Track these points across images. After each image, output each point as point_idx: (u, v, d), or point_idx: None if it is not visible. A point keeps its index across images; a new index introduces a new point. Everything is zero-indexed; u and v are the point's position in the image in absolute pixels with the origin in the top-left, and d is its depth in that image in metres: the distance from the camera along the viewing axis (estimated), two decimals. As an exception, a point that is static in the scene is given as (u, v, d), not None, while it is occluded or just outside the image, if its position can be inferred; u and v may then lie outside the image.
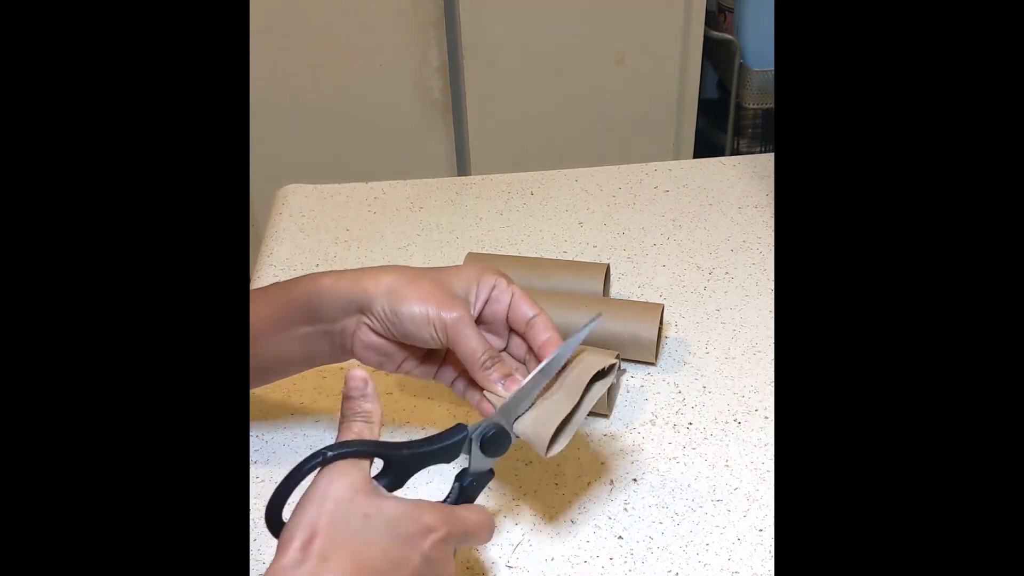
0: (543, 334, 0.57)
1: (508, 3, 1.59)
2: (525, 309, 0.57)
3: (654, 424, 0.69)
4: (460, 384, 0.59)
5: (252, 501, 0.64)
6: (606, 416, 0.70)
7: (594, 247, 0.89)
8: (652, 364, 0.74)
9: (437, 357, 0.60)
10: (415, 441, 0.51)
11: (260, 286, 0.84)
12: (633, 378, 0.74)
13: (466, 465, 0.53)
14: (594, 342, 0.74)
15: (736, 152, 1.91)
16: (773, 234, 0.90)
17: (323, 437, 0.69)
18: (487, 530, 0.51)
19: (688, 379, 0.73)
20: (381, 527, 0.46)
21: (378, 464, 0.50)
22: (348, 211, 0.96)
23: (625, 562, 0.59)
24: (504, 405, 0.53)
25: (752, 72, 1.82)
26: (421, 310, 0.55)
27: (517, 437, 0.54)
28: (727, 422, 0.69)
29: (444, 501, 0.52)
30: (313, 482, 0.47)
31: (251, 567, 0.60)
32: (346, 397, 0.52)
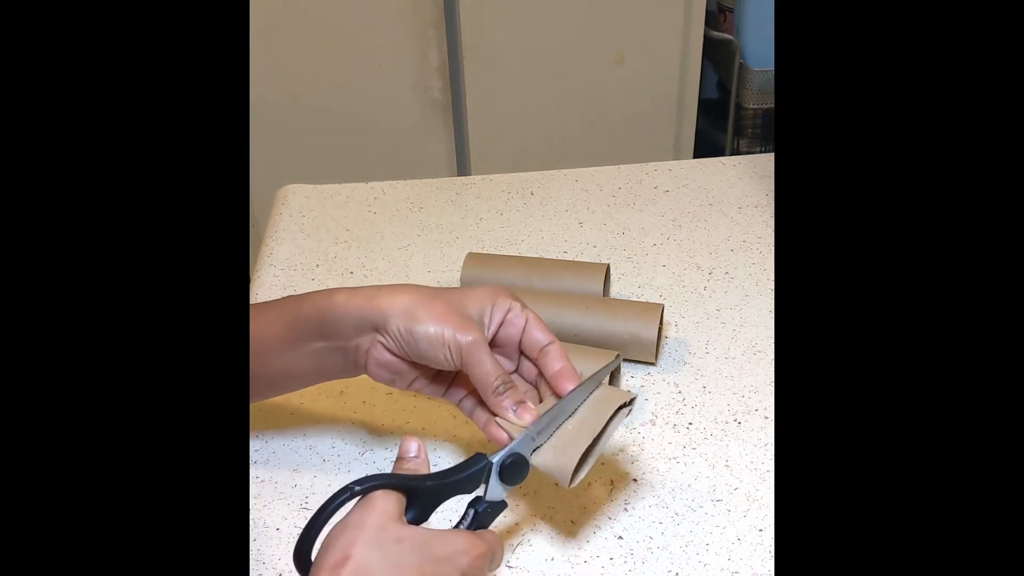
0: (556, 363, 0.57)
1: (508, 3, 1.59)
2: (539, 336, 0.58)
3: (654, 424, 0.69)
4: (468, 403, 0.59)
5: (252, 501, 0.64)
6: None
7: (594, 247, 0.89)
8: (652, 364, 0.74)
9: (447, 376, 0.60)
10: (437, 473, 0.51)
11: (260, 286, 0.85)
12: (633, 378, 0.73)
13: (482, 493, 0.53)
14: (594, 342, 0.74)
15: (736, 152, 1.91)
16: (773, 234, 0.90)
17: (322, 438, 0.69)
18: (501, 556, 0.52)
19: (688, 379, 0.73)
20: (415, 551, 0.46)
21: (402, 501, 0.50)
22: (348, 211, 0.96)
23: (625, 562, 0.59)
24: (525, 435, 0.54)
25: (752, 72, 1.82)
26: (437, 331, 0.55)
27: (535, 466, 0.54)
28: (727, 422, 0.69)
29: (458, 527, 0.52)
30: (348, 512, 0.47)
31: (251, 567, 0.60)
32: (399, 458, 0.53)
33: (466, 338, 0.55)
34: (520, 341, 0.58)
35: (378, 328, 0.56)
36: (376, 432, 0.70)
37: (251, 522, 0.63)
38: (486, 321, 0.57)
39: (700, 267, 0.86)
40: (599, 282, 0.78)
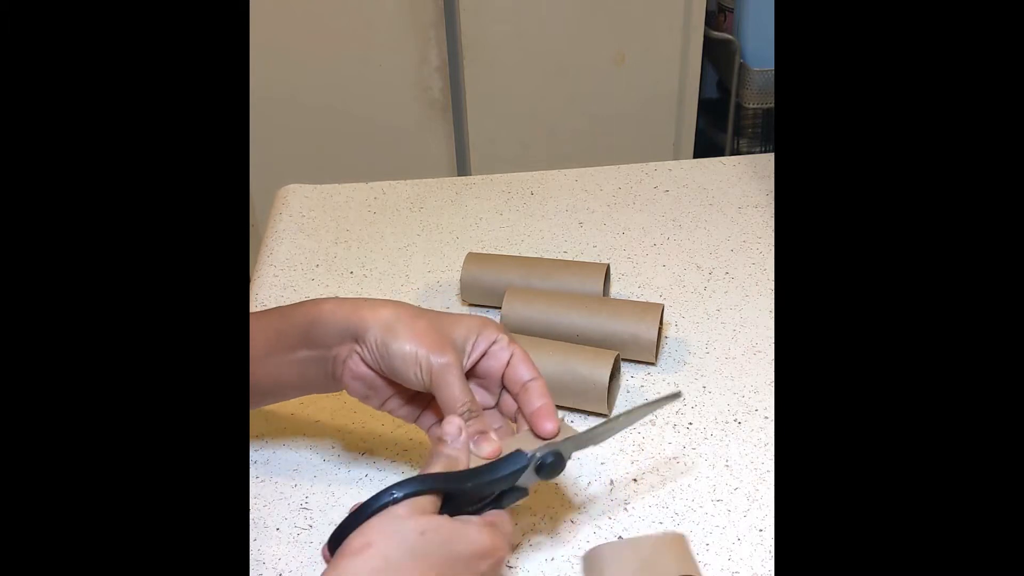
0: (537, 400, 0.56)
1: (508, 3, 1.59)
2: (523, 371, 0.57)
3: (654, 424, 0.69)
4: (436, 431, 0.59)
5: (252, 501, 0.64)
6: (606, 416, 0.70)
7: (594, 247, 0.89)
8: (652, 364, 0.74)
9: (422, 401, 0.59)
10: (476, 470, 0.52)
11: (260, 286, 0.85)
12: (633, 378, 0.73)
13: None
14: (594, 342, 0.74)
15: (736, 152, 1.91)
16: (773, 234, 0.90)
17: (322, 438, 0.69)
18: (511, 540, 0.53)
19: (688, 379, 0.73)
20: (438, 546, 0.46)
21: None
22: (348, 211, 0.96)
23: (625, 562, 0.59)
24: (565, 441, 0.54)
25: (752, 72, 1.82)
26: (411, 349, 0.54)
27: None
28: (727, 422, 0.69)
29: (478, 505, 0.52)
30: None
31: (251, 567, 0.60)
32: (438, 439, 0.52)
33: (439, 360, 0.54)
34: (503, 375, 0.57)
35: (357, 339, 0.56)
36: (376, 432, 0.70)
37: (251, 522, 0.63)
38: (468, 348, 0.57)
39: (700, 267, 0.86)
40: (599, 282, 0.78)
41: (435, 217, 0.95)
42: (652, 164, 1.02)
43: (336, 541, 0.47)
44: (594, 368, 0.68)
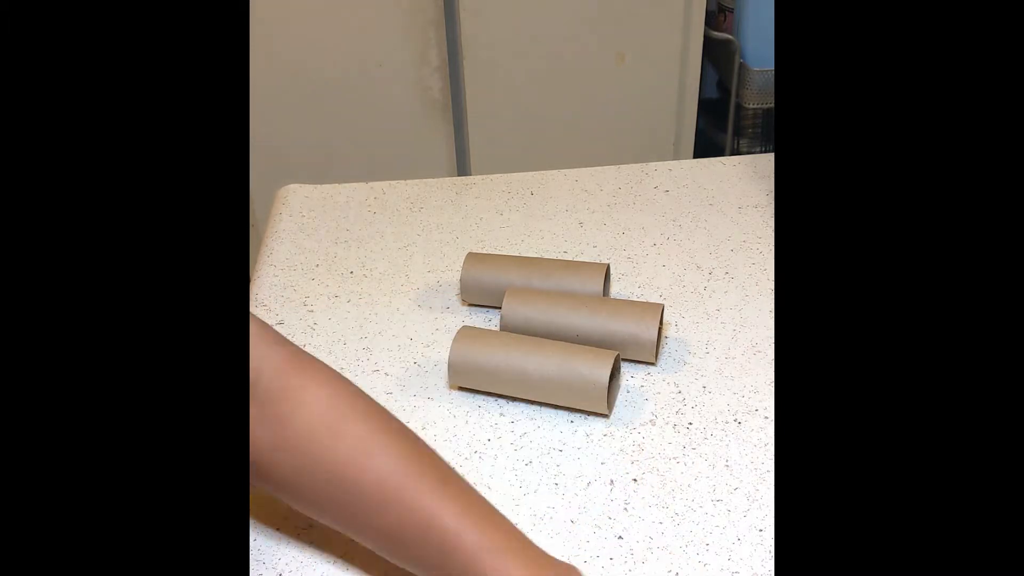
0: None
1: (508, 3, 1.59)
2: None
3: (654, 424, 0.69)
4: None
5: (252, 501, 0.64)
6: (606, 416, 0.70)
7: (594, 247, 0.89)
8: (652, 364, 0.74)
9: None
10: None
11: (260, 286, 0.85)
12: (633, 378, 0.74)
13: None
14: (594, 342, 0.74)
15: (736, 152, 1.91)
16: (773, 234, 0.90)
17: (323, 437, 0.69)
18: None
19: (688, 379, 0.73)
20: None
21: None
22: (348, 211, 0.96)
23: (625, 562, 0.59)
24: None
25: (752, 72, 1.82)
26: None
27: None
28: (727, 422, 0.69)
29: None
30: None
31: (251, 567, 0.60)
32: None
33: None
34: None
35: None
36: (376, 432, 0.70)
37: (251, 522, 0.63)
38: None
39: (700, 267, 0.86)
40: (599, 282, 0.78)
41: (435, 217, 0.95)
42: (652, 164, 1.02)
43: None
44: (594, 368, 0.68)
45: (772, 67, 1.80)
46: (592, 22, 1.63)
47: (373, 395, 0.72)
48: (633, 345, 0.73)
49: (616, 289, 0.83)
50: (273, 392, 0.53)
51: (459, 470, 0.66)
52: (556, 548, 0.60)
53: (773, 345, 0.76)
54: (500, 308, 0.77)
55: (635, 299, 0.82)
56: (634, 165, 1.01)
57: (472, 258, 0.81)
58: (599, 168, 1.01)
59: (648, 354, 0.73)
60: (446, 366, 0.73)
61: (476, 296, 0.81)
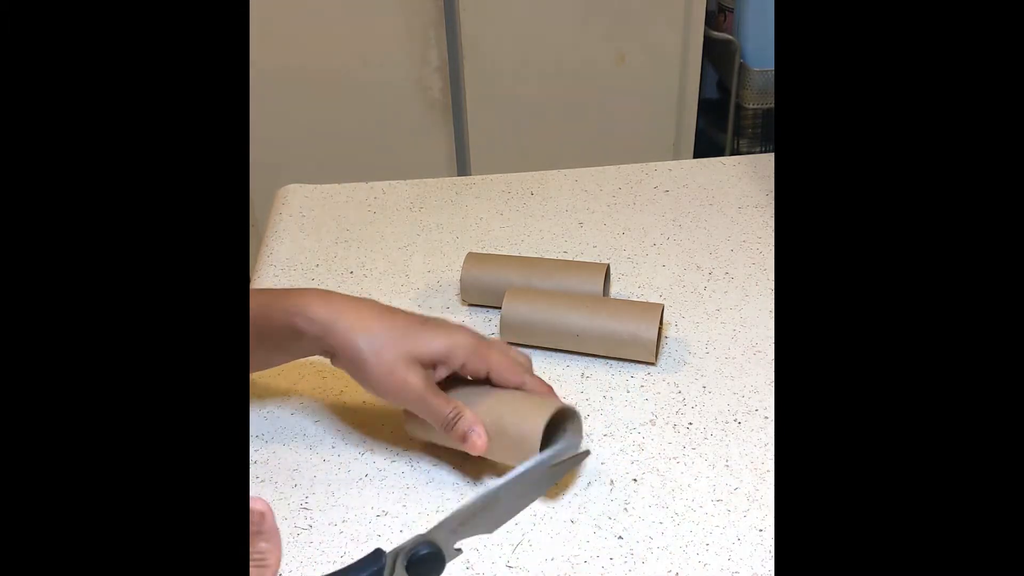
0: (538, 389, 0.63)
1: (508, 3, 1.59)
2: (512, 378, 0.62)
3: (654, 424, 0.69)
4: None
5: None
6: (653, 364, 0.70)
7: (594, 247, 0.89)
8: (652, 364, 0.74)
9: None
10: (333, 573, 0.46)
11: (260, 286, 0.84)
12: (633, 378, 0.74)
13: None
14: (594, 342, 0.74)
15: (736, 152, 1.91)
16: (773, 234, 0.90)
17: (323, 438, 0.69)
18: None
19: (688, 379, 0.73)
20: None
21: None
22: (348, 211, 0.96)
23: (625, 562, 0.59)
24: (439, 524, 0.46)
25: (752, 72, 1.82)
26: (380, 380, 0.59)
27: (459, 551, 0.47)
28: (727, 422, 0.69)
29: None
30: None
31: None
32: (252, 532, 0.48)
33: (408, 394, 0.59)
34: (490, 381, 0.62)
35: (331, 358, 0.61)
36: (376, 432, 0.70)
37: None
38: (440, 370, 0.61)
39: (700, 267, 0.86)
40: (599, 282, 0.78)
41: (435, 217, 0.95)
42: (652, 164, 1.02)
43: None
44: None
45: (772, 67, 1.80)
46: (592, 22, 1.63)
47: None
48: (633, 345, 0.73)
49: (616, 289, 0.83)
50: None
51: (459, 470, 0.66)
52: (556, 548, 0.60)
53: (773, 345, 0.76)
54: (500, 308, 0.77)
55: (635, 299, 0.82)
56: (634, 165, 1.01)
57: (472, 258, 0.81)
58: (599, 168, 1.01)
59: (648, 354, 0.73)
60: (446, 366, 0.74)
61: (476, 296, 0.81)
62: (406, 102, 1.66)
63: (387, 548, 0.51)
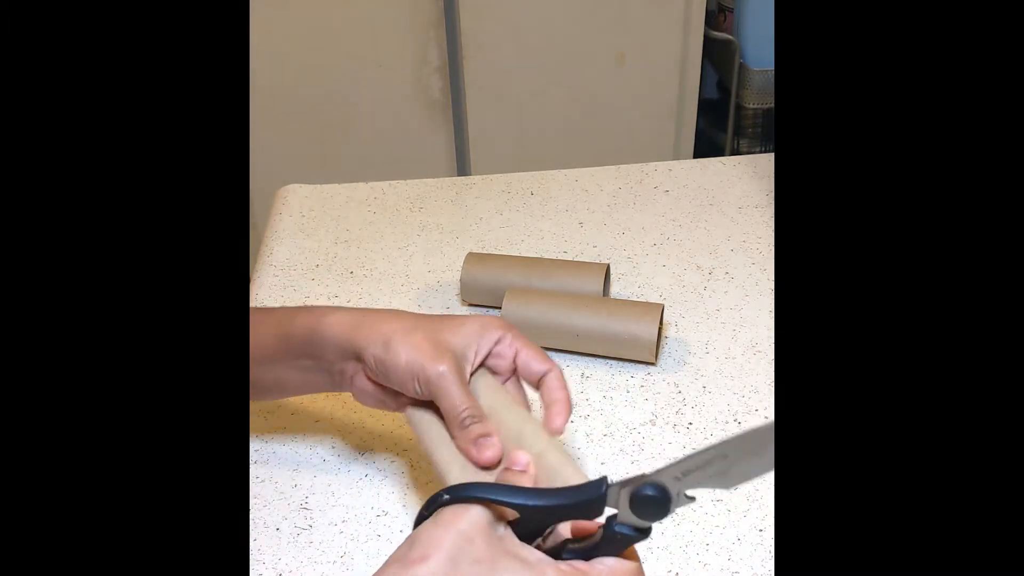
0: (556, 392, 0.56)
1: (508, 3, 1.59)
2: (534, 366, 0.57)
3: (654, 424, 0.69)
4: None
5: (252, 501, 0.64)
6: (652, 363, 0.70)
7: (594, 247, 0.89)
8: (652, 364, 0.74)
9: (434, 404, 0.58)
10: (548, 490, 0.46)
11: (260, 286, 0.85)
12: (633, 378, 0.74)
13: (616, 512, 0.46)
14: (594, 342, 0.74)
15: (736, 152, 1.91)
16: (773, 234, 0.90)
17: (322, 438, 0.69)
18: None
19: (688, 379, 0.73)
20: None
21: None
22: (348, 211, 0.96)
23: (625, 562, 0.59)
24: (662, 468, 0.45)
25: (752, 72, 1.82)
26: (407, 362, 0.54)
27: (691, 498, 0.45)
28: (727, 422, 0.69)
29: (584, 545, 0.46)
30: (442, 511, 0.45)
31: (251, 567, 0.60)
32: (505, 468, 0.50)
33: (435, 370, 0.54)
34: (517, 371, 0.57)
35: (358, 357, 0.57)
36: (376, 432, 0.70)
37: (251, 522, 0.63)
38: (470, 355, 0.56)
39: (700, 267, 0.86)
40: (599, 282, 0.78)
41: (435, 217, 0.95)
42: (652, 164, 1.02)
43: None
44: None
45: (772, 67, 1.80)
46: (592, 22, 1.63)
47: (373, 395, 0.72)
48: (633, 345, 0.73)
49: (616, 289, 0.83)
50: None
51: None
52: (556, 548, 0.60)
53: (773, 345, 0.76)
54: (500, 308, 0.77)
55: (635, 299, 0.82)
56: (634, 165, 1.01)
57: (472, 258, 0.81)
58: (599, 168, 1.01)
59: (648, 354, 0.73)
60: (446, 366, 0.73)
61: (476, 296, 0.81)
62: (406, 102, 1.66)
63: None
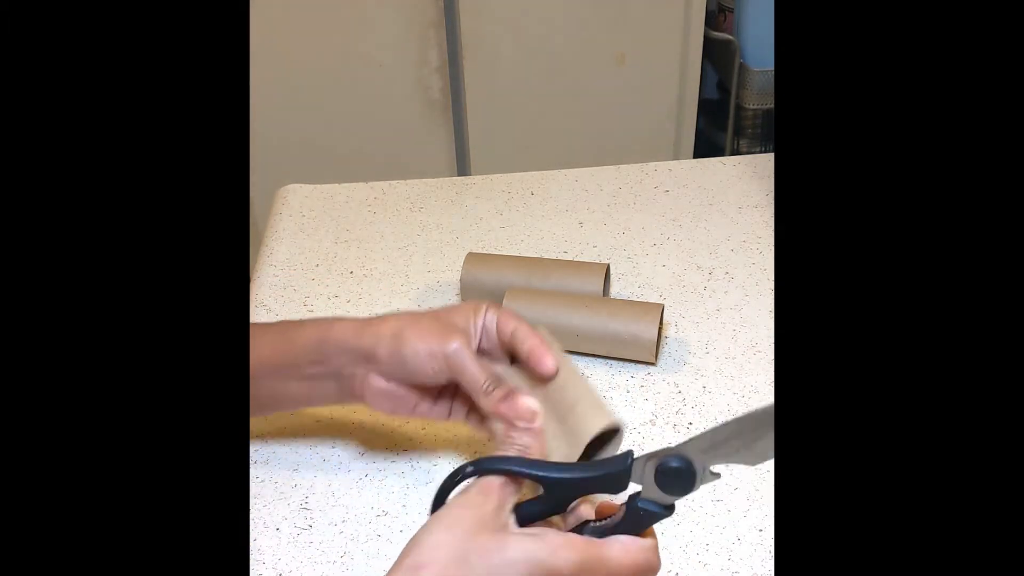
0: (526, 342, 0.58)
1: (508, 3, 1.59)
2: (507, 324, 0.59)
3: (654, 424, 0.69)
4: (475, 417, 0.60)
5: (252, 501, 0.64)
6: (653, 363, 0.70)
7: (594, 247, 0.89)
8: (652, 364, 0.74)
9: (448, 394, 0.61)
10: (573, 465, 0.46)
11: (260, 286, 0.85)
12: (633, 378, 0.73)
13: (640, 489, 0.46)
14: (594, 342, 0.74)
15: (736, 152, 1.91)
16: (773, 234, 0.90)
17: (322, 438, 0.69)
18: (644, 573, 0.46)
19: (688, 379, 0.73)
20: (499, 569, 0.43)
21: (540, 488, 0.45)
22: (348, 211, 0.96)
23: (625, 562, 0.59)
24: (687, 441, 0.45)
25: (752, 72, 1.82)
26: (422, 346, 0.57)
27: (716, 475, 0.45)
28: (727, 422, 0.69)
29: (605, 523, 0.46)
30: (448, 504, 0.46)
31: (251, 567, 0.60)
32: (509, 423, 0.51)
33: (450, 346, 0.56)
34: (500, 342, 0.59)
35: (369, 358, 0.58)
36: (376, 432, 0.70)
37: (251, 522, 0.63)
38: (472, 331, 0.59)
39: (700, 267, 0.86)
40: (599, 282, 0.78)
41: (435, 217, 0.95)
42: (652, 164, 1.02)
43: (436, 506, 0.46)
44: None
45: (772, 67, 1.80)
46: (592, 22, 1.63)
47: (373, 395, 0.72)
48: (633, 345, 0.73)
49: (616, 289, 0.83)
50: None
51: (459, 470, 0.66)
52: (556, 548, 0.60)
53: (773, 345, 0.76)
54: (500, 308, 0.77)
55: (635, 299, 0.82)
56: (634, 165, 1.01)
57: (472, 258, 0.81)
58: (599, 168, 1.01)
59: (648, 354, 0.73)
60: (446, 366, 0.73)
61: (476, 296, 0.81)
62: (406, 102, 1.66)
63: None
